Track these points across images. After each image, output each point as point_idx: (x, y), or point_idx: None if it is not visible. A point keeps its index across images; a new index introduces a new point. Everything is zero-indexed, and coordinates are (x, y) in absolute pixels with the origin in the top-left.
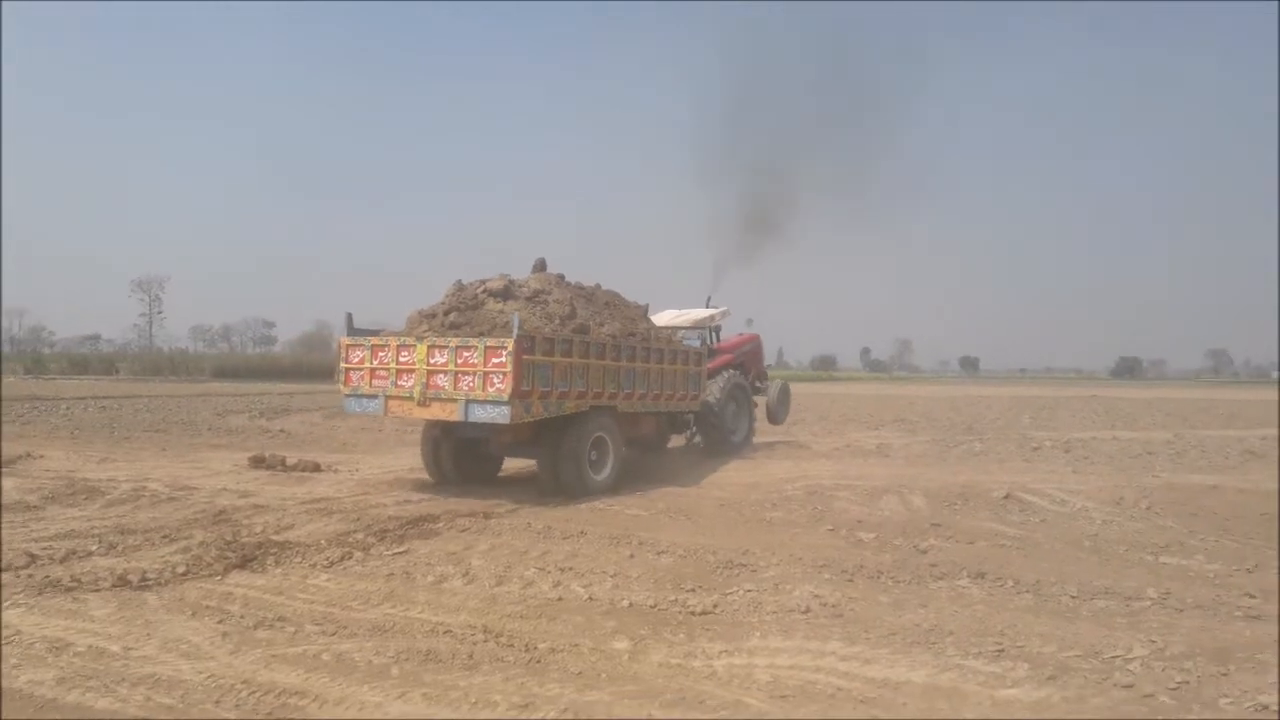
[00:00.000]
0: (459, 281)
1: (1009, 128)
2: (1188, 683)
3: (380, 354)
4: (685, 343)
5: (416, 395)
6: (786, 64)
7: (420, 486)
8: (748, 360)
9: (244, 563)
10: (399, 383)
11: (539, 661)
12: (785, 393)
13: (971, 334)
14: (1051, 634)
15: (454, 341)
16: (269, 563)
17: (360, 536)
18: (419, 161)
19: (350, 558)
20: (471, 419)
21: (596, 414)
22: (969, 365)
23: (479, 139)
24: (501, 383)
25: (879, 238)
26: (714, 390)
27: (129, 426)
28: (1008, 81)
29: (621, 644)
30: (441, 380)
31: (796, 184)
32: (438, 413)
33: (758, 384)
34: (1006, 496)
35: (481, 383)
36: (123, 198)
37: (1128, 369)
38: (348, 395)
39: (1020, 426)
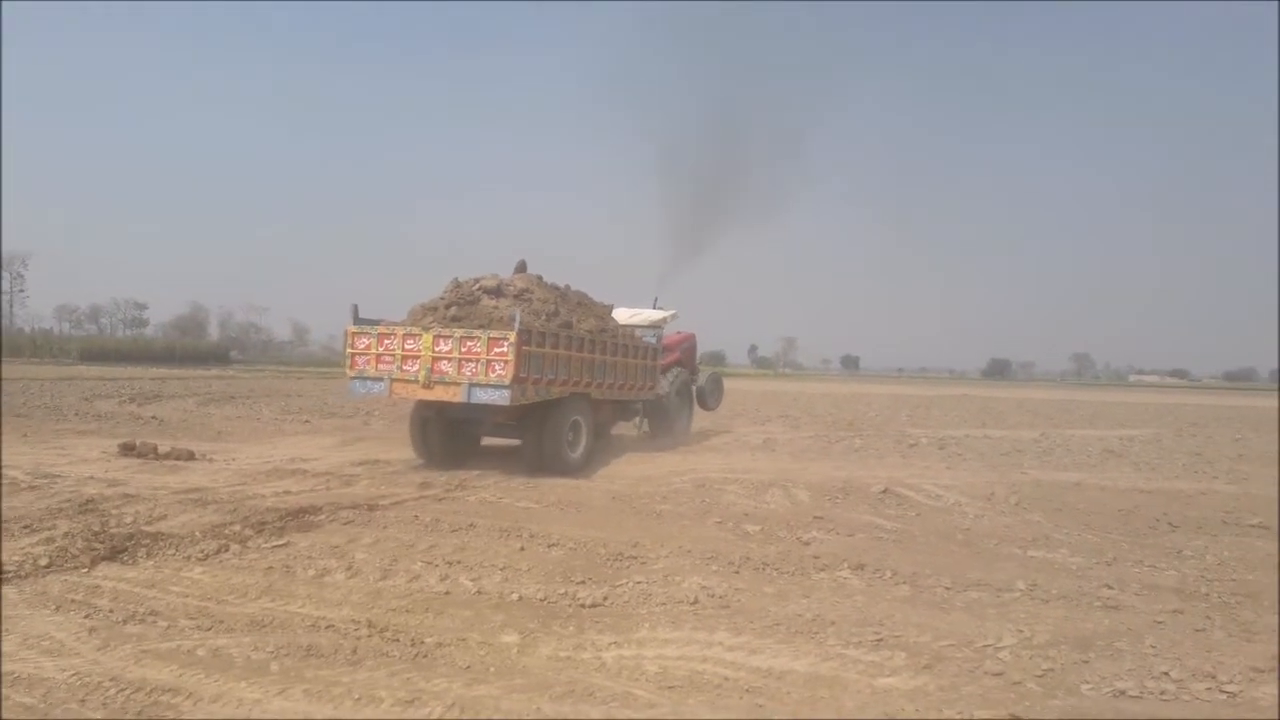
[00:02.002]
0: (456, 279)
1: (889, 133)
2: (1053, 670)
3: (386, 341)
4: (643, 339)
5: (421, 379)
6: (689, 60)
7: (300, 477)
8: (685, 357)
9: (113, 554)
10: (404, 367)
11: (425, 656)
12: (716, 382)
13: (853, 333)
14: (927, 624)
15: (459, 332)
16: (140, 555)
17: (237, 528)
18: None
19: (227, 550)
20: (474, 401)
21: (574, 400)
22: (850, 364)
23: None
24: (503, 369)
25: (766, 235)
26: (665, 384)
27: None
28: (886, 83)
29: (510, 637)
30: (446, 366)
31: (703, 181)
32: (441, 394)
33: (692, 376)
34: (885, 491)
35: (484, 369)
36: None
37: (998, 370)
38: (353, 378)
39: (898, 424)
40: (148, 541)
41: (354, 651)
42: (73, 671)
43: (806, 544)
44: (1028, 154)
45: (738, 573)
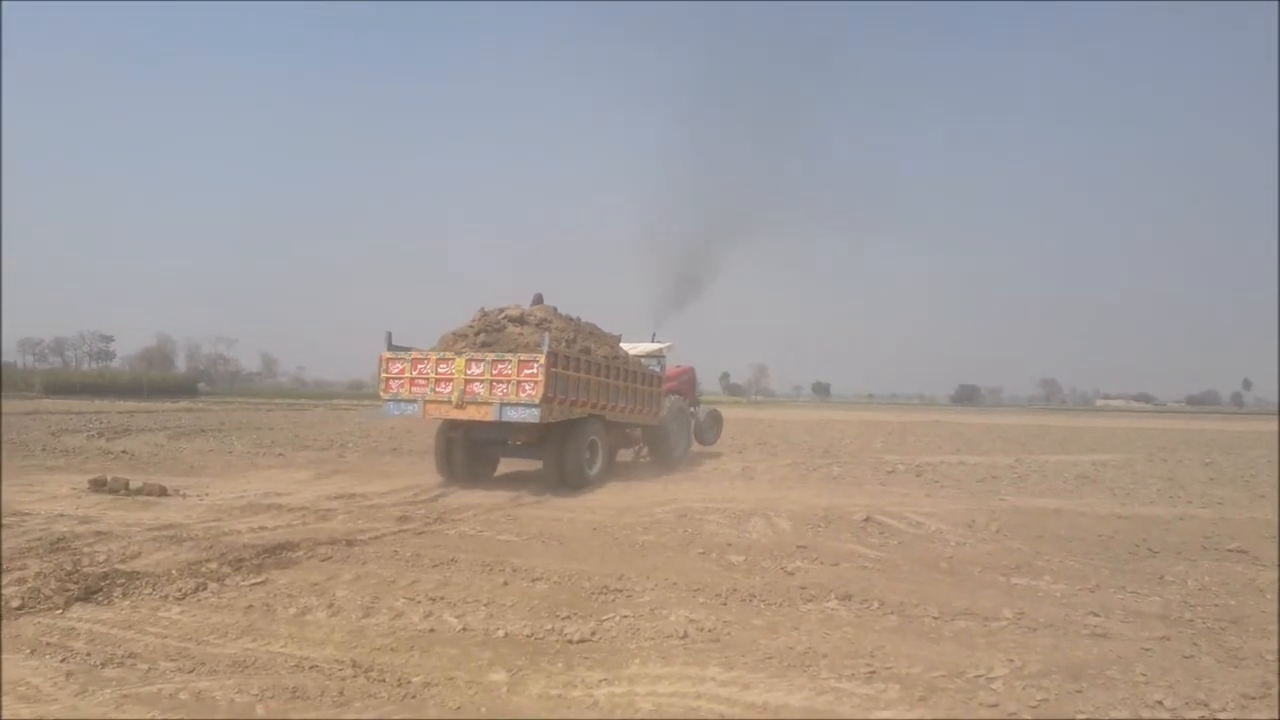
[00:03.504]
0: (483, 309)
1: (857, 159)
2: (1047, 700)
3: (420, 366)
4: (648, 367)
5: (454, 399)
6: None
7: (276, 512)
8: (684, 388)
9: (87, 595)
10: (437, 389)
11: (414, 697)
12: (714, 418)
13: (823, 360)
14: (917, 655)
15: (490, 356)
16: (115, 594)
17: (214, 566)
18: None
19: (204, 589)
20: (504, 419)
21: (591, 421)
22: (821, 390)
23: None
24: (533, 389)
25: (738, 262)
26: (664, 412)
27: None
28: (851, 105)
29: (499, 676)
30: (478, 387)
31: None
32: (473, 414)
33: (691, 409)
34: (866, 519)
35: (515, 389)
36: None
37: (967, 396)
38: (388, 400)
39: (873, 450)
40: (123, 581)
41: (340, 693)
42: (51, 718)
43: (791, 574)
44: (996, 181)
45: (725, 605)
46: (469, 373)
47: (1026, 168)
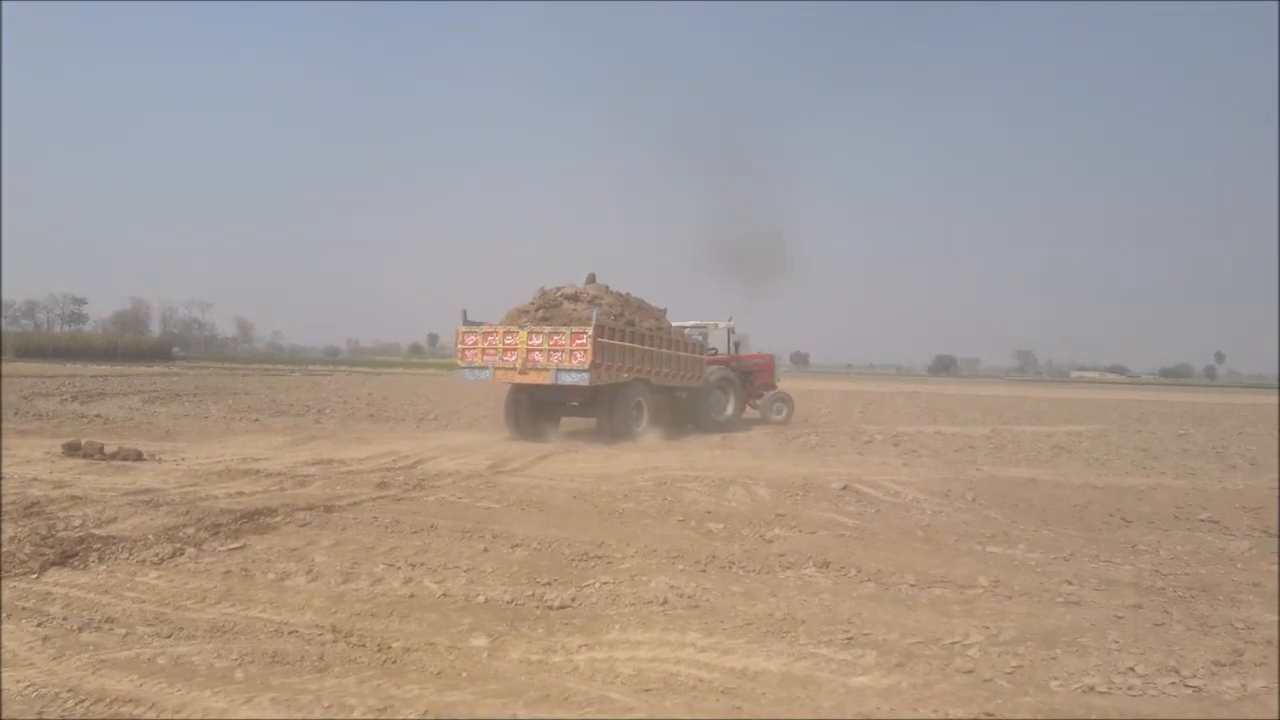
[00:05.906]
0: (542, 288)
1: (837, 135)
2: (1022, 667)
3: (490, 338)
4: (690, 336)
5: (518, 366)
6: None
7: (253, 478)
8: (758, 371)
9: (63, 559)
10: (504, 358)
11: (394, 662)
12: (778, 399)
13: (802, 329)
14: (895, 621)
15: (547, 329)
16: (92, 559)
17: (191, 531)
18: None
19: (182, 554)
20: (560, 383)
21: (637, 384)
22: (799, 360)
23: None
24: (583, 357)
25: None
26: (706, 379)
27: None
28: (835, 84)
29: (479, 641)
30: (537, 356)
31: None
32: (534, 378)
33: (763, 391)
34: (844, 488)
35: (569, 357)
36: None
37: (944, 366)
38: (464, 367)
39: (852, 420)
40: (99, 545)
41: (320, 658)
42: (27, 683)
43: (770, 542)
44: (972, 154)
45: (704, 572)
46: (530, 343)
47: (1006, 143)
